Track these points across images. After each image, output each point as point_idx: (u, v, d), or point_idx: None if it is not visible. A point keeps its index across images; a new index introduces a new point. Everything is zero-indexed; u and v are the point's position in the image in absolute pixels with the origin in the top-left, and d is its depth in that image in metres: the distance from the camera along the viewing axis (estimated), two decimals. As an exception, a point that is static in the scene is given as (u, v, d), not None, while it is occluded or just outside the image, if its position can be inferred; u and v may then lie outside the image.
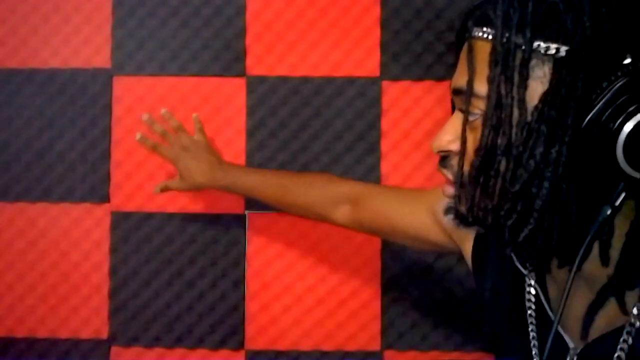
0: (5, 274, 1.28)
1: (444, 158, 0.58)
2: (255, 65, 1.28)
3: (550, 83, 0.50)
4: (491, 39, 0.52)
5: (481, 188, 0.53)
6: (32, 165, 1.29)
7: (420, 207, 0.85)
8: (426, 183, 1.25)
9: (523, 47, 0.50)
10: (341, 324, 1.26)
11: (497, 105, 0.51)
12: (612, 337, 0.55)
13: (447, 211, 0.62)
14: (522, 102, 0.50)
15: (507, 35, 0.50)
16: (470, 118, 0.54)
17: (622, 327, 0.54)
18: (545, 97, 0.50)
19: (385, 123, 1.26)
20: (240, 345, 1.27)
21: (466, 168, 0.55)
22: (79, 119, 1.28)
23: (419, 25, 1.26)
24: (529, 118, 0.50)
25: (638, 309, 0.53)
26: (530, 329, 0.63)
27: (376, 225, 0.94)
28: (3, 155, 1.29)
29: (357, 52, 1.27)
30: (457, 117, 0.56)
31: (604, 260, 0.54)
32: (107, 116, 1.28)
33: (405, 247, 1.26)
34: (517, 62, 0.50)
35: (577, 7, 0.49)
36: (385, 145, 1.26)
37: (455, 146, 0.56)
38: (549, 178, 0.50)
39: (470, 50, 0.54)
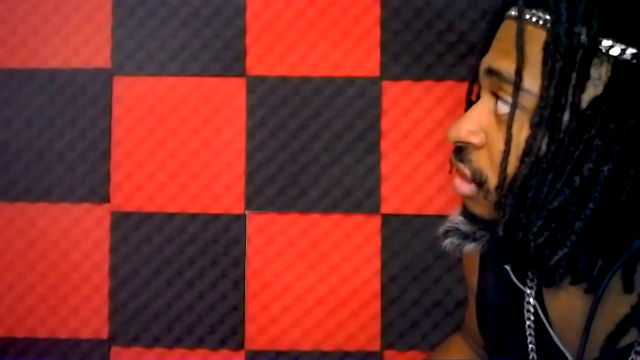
0: (5, 274, 1.28)
1: (459, 150, 0.52)
2: (255, 65, 1.28)
3: (606, 87, 0.44)
4: (548, 27, 0.45)
5: (518, 198, 0.47)
6: (32, 165, 1.29)
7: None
8: (426, 183, 1.25)
9: (586, 43, 0.43)
10: (341, 324, 1.26)
11: (550, 106, 0.45)
12: (619, 353, 0.52)
13: (446, 234, 0.59)
14: (576, 106, 0.44)
15: (571, 26, 0.44)
16: (502, 111, 0.48)
17: (629, 346, 0.51)
18: (597, 103, 0.44)
19: (385, 123, 1.26)
20: (240, 345, 1.27)
21: (509, 171, 0.48)
22: (79, 119, 1.28)
23: (419, 25, 1.26)
24: (579, 125, 0.44)
25: None
26: (529, 340, 0.61)
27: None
28: (3, 155, 1.29)
29: (357, 52, 1.27)
30: (484, 106, 0.50)
31: (628, 288, 0.49)
32: (107, 116, 1.28)
33: (405, 247, 1.26)
34: (578, 58, 0.44)
35: None
36: (385, 145, 1.26)
37: (476, 139, 0.50)
38: (596, 199, 0.44)
39: (520, 35, 0.46)
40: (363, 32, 1.27)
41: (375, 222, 1.26)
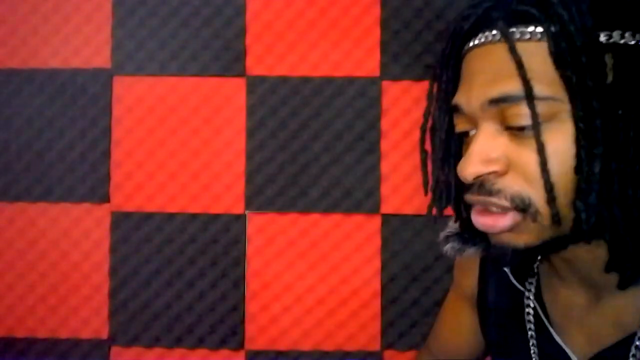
0: (5, 274, 1.28)
1: (477, 186, 0.50)
2: (255, 65, 1.28)
3: (616, 72, 0.45)
4: (539, 38, 0.46)
5: (599, 196, 0.46)
6: (32, 165, 1.29)
7: (459, 314, 0.76)
8: (426, 183, 1.25)
9: (587, 39, 0.45)
10: (341, 324, 1.26)
11: (594, 96, 0.45)
12: (620, 347, 0.52)
13: (446, 239, 0.58)
14: (608, 90, 0.45)
15: (571, 29, 0.45)
16: (525, 133, 0.47)
17: (632, 336, 0.52)
18: (614, 89, 0.45)
19: (385, 123, 1.26)
20: (240, 345, 1.27)
21: (554, 180, 0.46)
22: (79, 119, 1.28)
23: (419, 25, 1.26)
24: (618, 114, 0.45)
25: None
26: (531, 343, 0.61)
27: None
28: (3, 155, 1.29)
29: (357, 52, 1.27)
30: (486, 134, 0.49)
31: None
32: (107, 116, 1.28)
33: (405, 247, 1.26)
34: (586, 55, 0.45)
35: None
36: (385, 145, 1.26)
37: (498, 165, 0.48)
38: None
39: (514, 51, 0.47)
40: (363, 32, 1.27)
41: (375, 222, 1.26)
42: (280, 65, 1.27)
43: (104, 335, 1.28)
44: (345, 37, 1.27)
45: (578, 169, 0.46)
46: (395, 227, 1.26)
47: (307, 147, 1.27)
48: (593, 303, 0.55)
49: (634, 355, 0.51)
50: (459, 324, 0.75)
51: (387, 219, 1.26)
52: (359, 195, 1.26)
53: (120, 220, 1.28)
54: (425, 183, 0.59)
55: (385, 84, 1.26)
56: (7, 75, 1.29)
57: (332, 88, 1.27)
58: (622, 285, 0.49)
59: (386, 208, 1.26)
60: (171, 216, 1.28)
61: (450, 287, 0.79)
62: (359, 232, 1.27)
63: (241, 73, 1.28)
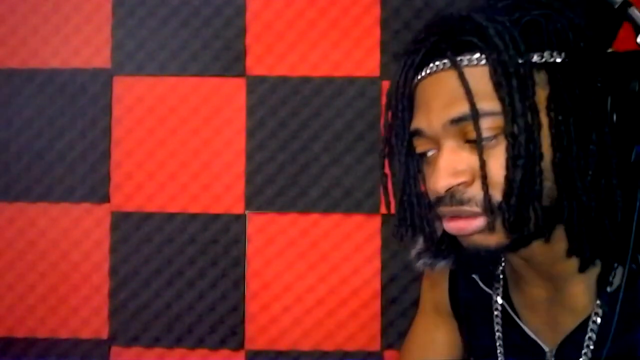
0: (5, 274, 1.28)
1: (447, 198, 0.54)
2: (255, 65, 1.28)
3: (551, 86, 0.52)
4: (482, 63, 0.53)
5: (534, 199, 0.52)
6: (32, 165, 1.29)
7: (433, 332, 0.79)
8: (426, 183, 1.25)
9: (522, 60, 0.52)
10: (341, 324, 1.26)
11: (520, 116, 0.51)
12: (579, 330, 0.57)
13: (419, 256, 0.63)
14: (534, 107, 0.51)
15: (505, 56, 0.52)
16: (484, 144, 0.53)
17: (587, 319, 0.57)
18: (551, 101, 0.52)
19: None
20: (240, 345, 1.27)
21: (503, 187, 0.52)
22: (79, 119, 1.28)
23: (419, 25, 1.25)
24: (553, 122, 0.51)
25: (600, 300, 0.56)
26: (497, 343, 0.65)
27: None
28: (3, 155, 1.29)
29: (357, 52, 1.27)
30: (449, 150, 0.54)
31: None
32: (107, 116, 1.28)
33: (405, 247, 1.26)
34: (518, 79, 0.51)
35: (556, 20, 0.53)
36: (385, 145, 1.26)
37: (466, 176, 0.53)
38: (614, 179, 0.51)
39: (462, 76, 0.53)
40: (363, 32, 1.27)
41: (375, 222, 1.26)
42: (280, 65, 1.27)
43: (104, 335, 1.28)
44: (345, 37, 1.27)
45: (506, 176, 0.52)
46: (395, 227, 1.26)
47: (307, 147, 1.27)
48: (553, 295, 0.60)
49: (591, 331, 0.56)
50: (433, 343, 0.79)
51: (387, 219, 1.26)
52: (359, 195, 1.26)
53: (120, 220, 1.28)
54: (387, 204, 0.63)
55: (385, 84, 1.26)
56: (7, 75, 1.29)
57: (332, 88, 1.27)
58: (582, 268, 0.55)
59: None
60: (171, 216, 1.28)
61: (418, 311, 0.81)
62: (359, 232, 1.27)
63: (241, 73, 1.28)
